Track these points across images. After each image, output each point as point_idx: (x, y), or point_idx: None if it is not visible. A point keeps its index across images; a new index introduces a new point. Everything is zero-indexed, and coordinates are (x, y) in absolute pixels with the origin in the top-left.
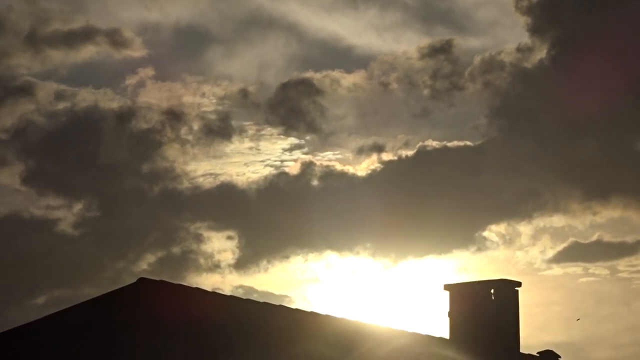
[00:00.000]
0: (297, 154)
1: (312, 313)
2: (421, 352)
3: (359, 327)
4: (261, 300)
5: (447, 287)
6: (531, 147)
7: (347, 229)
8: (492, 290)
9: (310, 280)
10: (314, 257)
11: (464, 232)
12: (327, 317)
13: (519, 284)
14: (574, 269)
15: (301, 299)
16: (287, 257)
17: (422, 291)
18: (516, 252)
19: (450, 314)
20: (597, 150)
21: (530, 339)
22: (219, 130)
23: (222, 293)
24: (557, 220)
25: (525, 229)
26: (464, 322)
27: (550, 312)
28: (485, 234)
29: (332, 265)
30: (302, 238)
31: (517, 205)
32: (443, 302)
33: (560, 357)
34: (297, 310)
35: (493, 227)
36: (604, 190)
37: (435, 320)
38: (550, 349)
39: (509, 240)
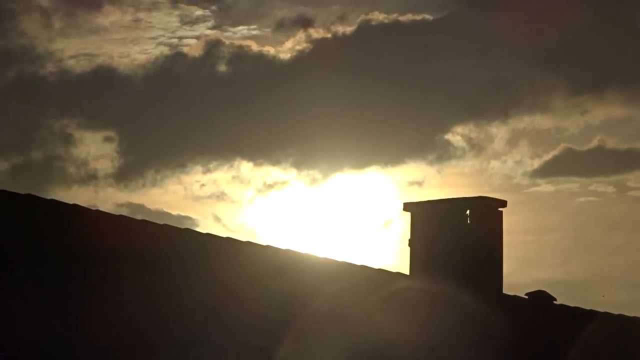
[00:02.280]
0: (200, 28)
1: (228, 239)
2: (373, 291)
3: (291, 258)
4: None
5: (407, 207)
6: (504, 23)
7: (263, 130)
8: (468, 212)
9: (215, 197)
10: (219, 167)
11: (419, 135)
12: (248, 244)
13: (503, 204)
14: (569, 185)
15: (206, 222)
16: (183, 165)
17: (364, 213)
18: (491, 162)
19: (411, 243)
20: (589, 27)
21: (517, 275)
22: None
23: (106, 211)
24: (542, 121)
25: (499, 131)
26: (429, 253)
27: (542, 242)
28: (448, 137)
29: (243, 178)
30: (203, 141)
31: (486, 99)
32: (395, 229)
33: (555, 299)
34: (208, 235)
35: (457, 128)
36: (598, 82)
37: (387, 252)
38: (543, 289)
39: (478, 146)
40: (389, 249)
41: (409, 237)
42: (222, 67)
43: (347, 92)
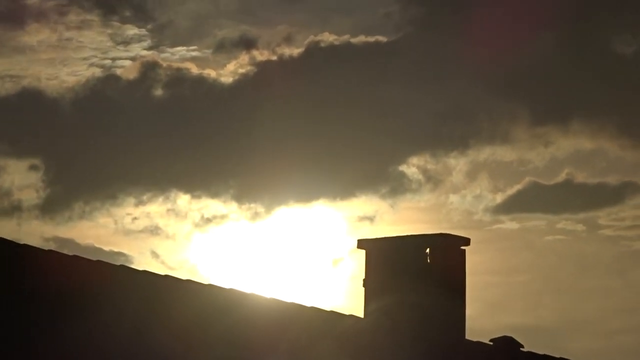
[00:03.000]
0: (135, 49)
1: (167, 277)
2: (325, 335)
3: (235, 298)
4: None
5: (362, 244)
6: (462, 48)
7: (201, 160)
8: (428, 250)
9: (149, 232)
10: (153, 199)
11: (370, 166)
12: (188, 283)
13: (465, 242)
14: (536, 222)
15: (142, 258)
16: (114, 197)
17: (312, 250)
18: (449, 197)
19: (366, 283)
20: (552, 54)
21: (481, 320)
22: (18, 11)
23: (34, 246)
24: (504, 152)
25: (458, 162)
26: (386, 295)
27: (508, 284)
28: (402, 169)
29: (179, 210)
30: (136, 171)
31: (444, 128)
32: (345, 268)
33: (522, 346)
34: (145, 272)
35: (413, 159)
36: (563, 111)
37: (338, 292)
38: (509, 334)
39: (435, 179)
40: (340, 290)
41: (362, 276)
42: (159, 91)
43: (293, 119)
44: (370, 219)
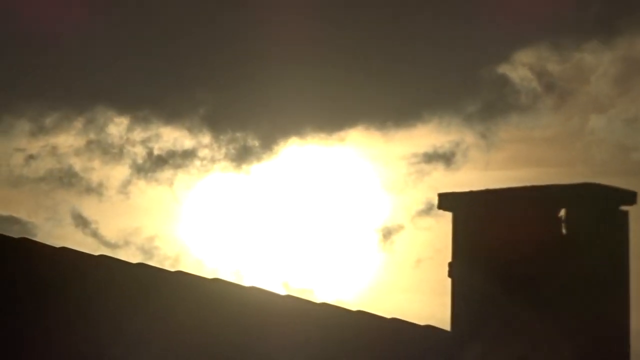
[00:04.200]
0: None
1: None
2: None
3: (251, 297)
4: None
5: (446, 200)
6: None
7: (149, 59)
8: (563, 213)
9: (57, 180)
10: (63, 123)
11: (447, 68)
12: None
13: (629, 197)
14: None
15: (51, 226)
16: None
17: (345, 216)
18: (590, 119)
19: (454, 269)
20: None
21: None
22: None
23: None
24: None
25: (599, 59)
26: (492, 290)
27: None
28: (504, 71)
29: (110, 143)
30: (35, 77)
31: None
32: (405, 242)
33: None
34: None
35: (522, 55)
36: None
37: (398, 285)
38: None
39: (562, 89)
40: (398, 282)
41: (445, 259)
42: None
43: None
44: (446, 158)
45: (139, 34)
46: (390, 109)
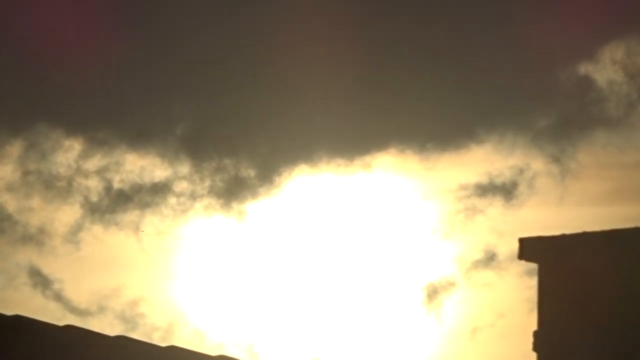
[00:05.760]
0: None
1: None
2: None
3: None
4: None
5: (529, 247)
6: None
7: (119, 64)
8: None
9: None
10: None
11: (506, 72)
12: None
13: None
14: None
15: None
16: None
17: (375, 266)
18: None
19: (540, 338)
20: None
21: None
22: None
23: None
24: None
25: None
26: None
27: None
28: (585, 70)
29: (60, 173)
30: None
31: None
32: (459, 304)
33: None
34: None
35: (605, 50)
36: None
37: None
38: None
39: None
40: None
41: (526, 326)
42: None
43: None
44: (506, 190)
45: (97, 32)
46: (433, 126)
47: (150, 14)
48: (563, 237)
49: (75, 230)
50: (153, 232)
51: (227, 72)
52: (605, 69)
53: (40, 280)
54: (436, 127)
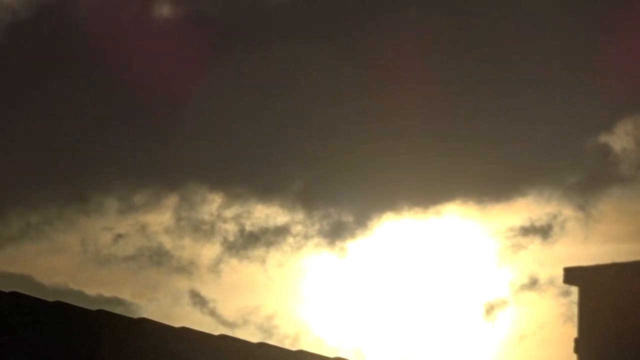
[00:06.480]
0: None
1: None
2: None
3: None
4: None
5: (573, 275)
6: None
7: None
8: None
9: (146, 258)
10: (151, 199)
11: (546, 139)
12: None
13: None
14: None
15: (158, 307)
16: (84, 200)
17: (444, 290)
18: None
19: (581, 345)
20: None
21: None
22: None
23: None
24: None
25: None
26: None
27: None
28: (605, 140)
29: (200, 219)
30: (121, 156)
31: None
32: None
33: None
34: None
35: (624, 124)
36: None
37: None
38: None
39: None
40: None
41: (567, 334)
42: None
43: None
44: (543, 231)
45: (230, 110)
46: (489, 182)
47: (278, 95)
48: (597, 267)
49: (217, 263)
50: (276, 264)
51: (329, 140)
52: (620, 139)
53: (198, 300)
54: (491, 184)
